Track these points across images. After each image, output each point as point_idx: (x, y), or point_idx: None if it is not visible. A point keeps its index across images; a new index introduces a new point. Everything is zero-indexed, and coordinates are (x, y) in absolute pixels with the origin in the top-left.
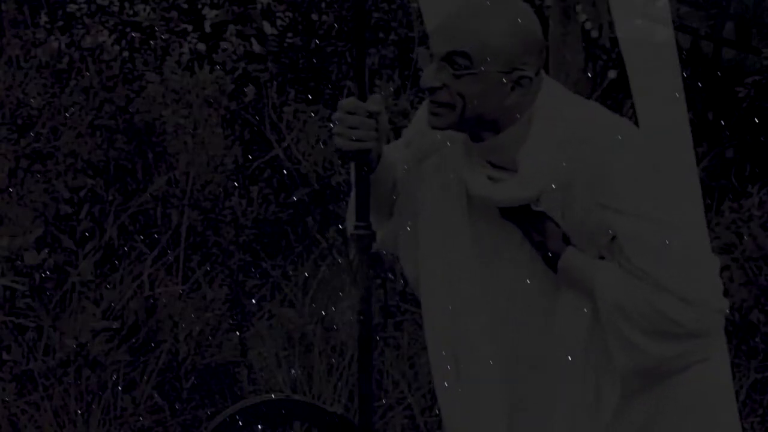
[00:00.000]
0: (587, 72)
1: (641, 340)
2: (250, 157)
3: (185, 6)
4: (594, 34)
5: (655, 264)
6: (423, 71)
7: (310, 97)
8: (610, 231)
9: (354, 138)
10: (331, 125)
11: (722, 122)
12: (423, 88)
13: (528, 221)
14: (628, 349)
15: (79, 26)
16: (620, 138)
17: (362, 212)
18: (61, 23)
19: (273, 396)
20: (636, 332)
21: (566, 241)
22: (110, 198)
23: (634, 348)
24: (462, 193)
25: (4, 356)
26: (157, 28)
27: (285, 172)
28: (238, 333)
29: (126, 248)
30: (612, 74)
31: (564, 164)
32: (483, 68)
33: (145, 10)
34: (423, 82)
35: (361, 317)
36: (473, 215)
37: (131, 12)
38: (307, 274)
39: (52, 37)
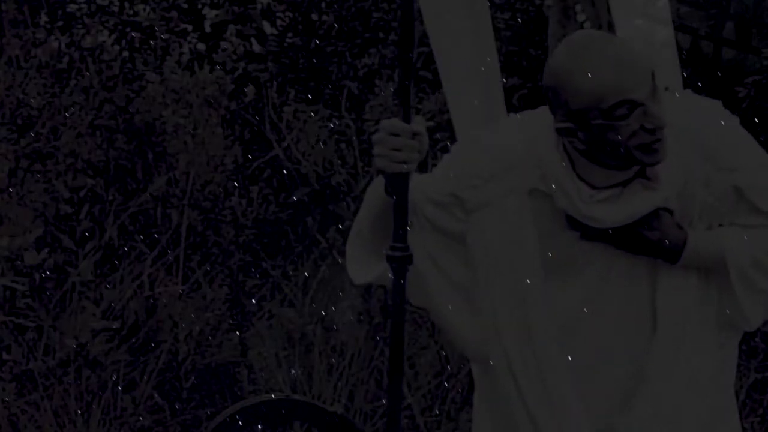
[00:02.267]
0: None
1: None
2: (250, 157)
3: (185, 6)
4: None
5: None
6: (652, 111)
7: (310, 97)
8: (735, 188)
9: (398, 160)
10: (374, 144)
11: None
12: (660, 126)
13: (641, 226)
14: (757, 297)
15: (79, 26)
16: (708, 109)
17: (401, 234)
18: (61, 23)
19: (273, 396)
20: (764, 277)
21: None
22: (110, 198)
23: (765, 293)
24: (532, 232)
25: (4, 356)
26: (157, 28)
27: (285, 172)
28: (238, 333)
29: (126, 248)
30: None
31: (678, 155)
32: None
33: (145, 10)
34: (660, 122)
35: (394, 345)
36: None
37: (131, 12)
38: (307, 274)
39: (52, 37)
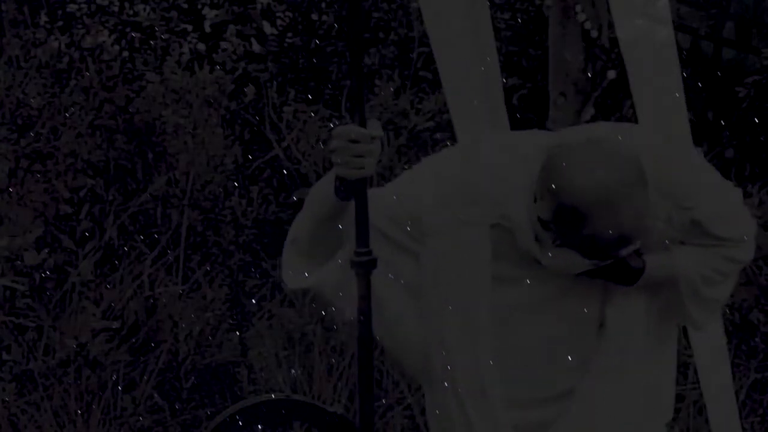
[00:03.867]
0: (587, 72)
1: (714, 292)
2: (250, 157)
3: (185, 6)
4: (594, 34)
5: (727, 226)
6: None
7: (310, 97)
8: (694, 221)
9: (359, 166)
10: (332, 155)
11: (722, 122)
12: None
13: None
14: (704, 305)
15: (79, 26)
16: (660, 147)
17: (363, 238)
18: (61, 23)
19: (273, 396)
20: (710, 289)
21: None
22: (110, 198)
23: (710, 301)
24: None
25: (4, 356)
26: (157, 28)
27: (285, 172)
28: (238, 333)
29: (126, 248)
30: (612, 74)
31: None
32: None
33: (145, 10)
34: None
35: (362, 339)
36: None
37: (131, 12)
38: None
39: (52, 37)
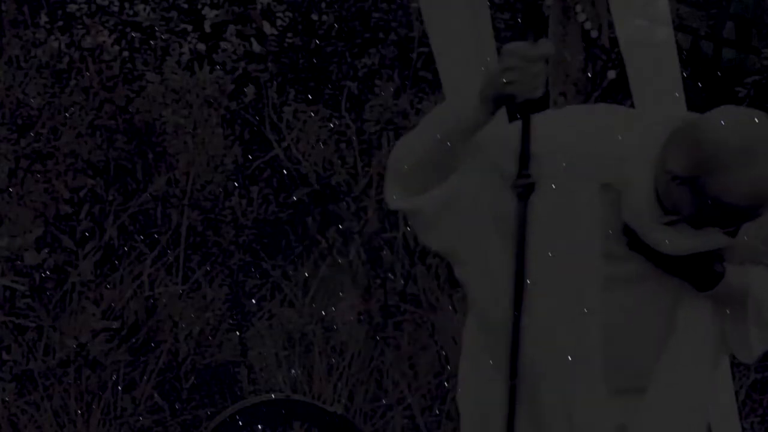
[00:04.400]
0: (587, 72)
1: None
2: (250, 157)
3: (185, 6)
4: (594, 34)
5: None
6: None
7: (310, 97)
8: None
9: (533, 86)
10: (503, 72)
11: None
12: None
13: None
14: (764, 332)
15: (79, 26)
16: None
17: (526, 161)
18: (61, 23)
19: (273, 396)
20: None
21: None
22: (110, 198)
23: None
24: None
25: (4, 356)
26: (157, 28)
27: (285, 172)
28: (238, 333)
29: (126, 248)
30: (612, 74)
31: None
32: None
33: (145, 10)
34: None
35: (517, 265)
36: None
37: (131, 12)
38: (307, 274)
39: (52, 37)
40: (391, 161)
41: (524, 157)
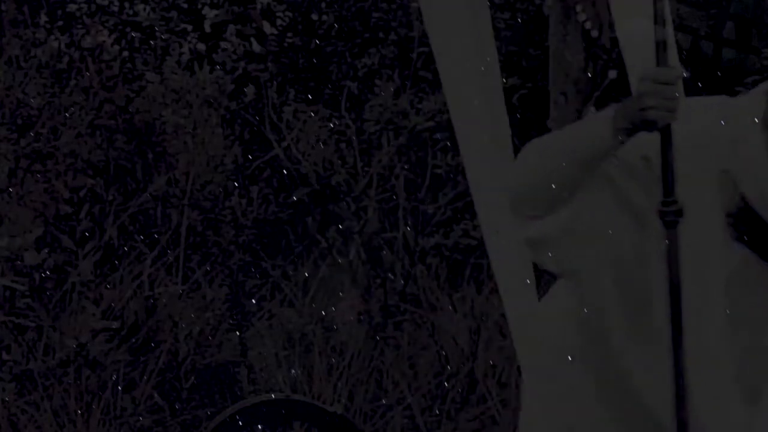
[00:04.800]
0: (587, 72)
1: None
2: (250, 157)
3: (185, 6)
4: (594, 34)
5: None
6: None
7: (310, 97)
8: None
9: (671, 109)
10: (640, 98)
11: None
12: None
13: None
14: None
15: (79, 26)
16: None
17: (670, 186)
18: (61, 23)
19: (273, 396)
20: None
21: None
22: (110, 198)
23: None
24: None
25: (4, 356)
26: (157, 28)
27: (285, 172)
28: (238, 333)
29: (126, 248)
30: (612, 74)
31: None
32: None
33: (145, 10)
34: None
35: (672, 291)
36: None
37: (131, 12)
38: (307, 274)
39: (52, 37)
40: (513, 194)
41: (668, 182)
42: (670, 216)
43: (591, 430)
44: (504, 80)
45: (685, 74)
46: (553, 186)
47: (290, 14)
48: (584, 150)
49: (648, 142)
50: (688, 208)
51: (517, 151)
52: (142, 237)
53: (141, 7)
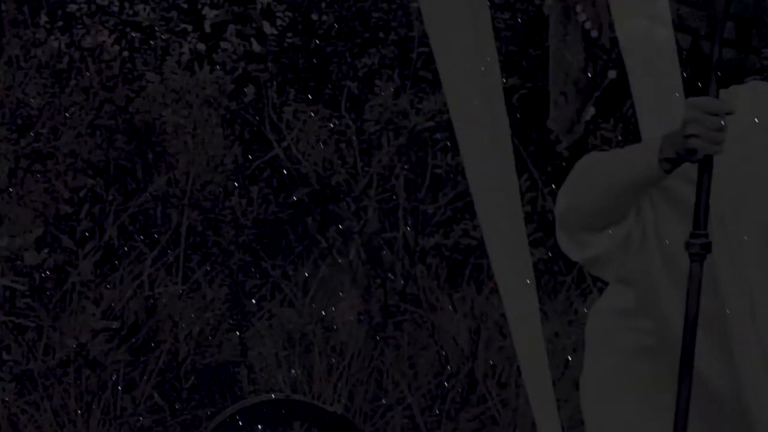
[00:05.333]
0: (587, 72)
1: None
2: (250, 157)
3: (185, 6)
4: (594, 34)
5: None
6: None
7: (310, 97)
8: None
9: (716, 141)
10: (685, 126)
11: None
12: None
13: None
14: None
15: (79, 26)
16: None
17: (703, 219)
18: (61, 23)
19: (273, 396)
20: None
21: None
22: (110, 198)
23: None
24: None
25: (4, 356)
26: (157, 28)
27: (285, 172)
28: (238, 333)
29: (126, 248)
30: (612, 74)
31: None
32: None
33: (145, 10)
34: None
35: (688, 324)
36: None
37: (131, 12)
38: (307, 274)
39: (52, 37)
40: (561, 211)
41: (699, 215)
42: (697, 248)
43: (654, 416)
44: (504, 80)
45: (734, 109)
46: (601, 208)
47: (290, 14)
48: (630, 177)
49: None
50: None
51: (517, 151)
52: (142, 237)
53: (141, 7)
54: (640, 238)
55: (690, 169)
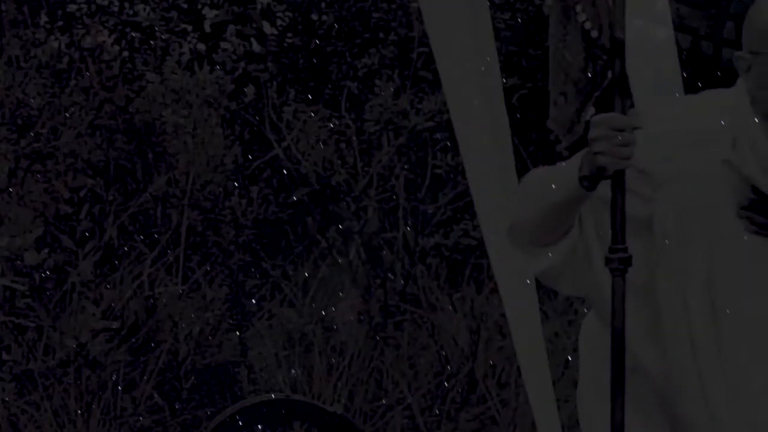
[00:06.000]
0: (587, 72)
1: None
2: (250, 157)
3: (185, 6)
4: (594, 34)
5: None
6: None
7: (310, 97)
8: None
9: (623, 156)
10: (592, 143)
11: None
12: None
13: None
14: None
15: (79, 26)
16: None
17: (620, 234)
18: (61, 23)
19: (273, 396)
20: None
21: None
22: (110, 198)
23: None
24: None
25: (4, 356)
26: (157, 28)
27: (285, 172)
28: (238, 333)
29: (126, 248)
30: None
31: None
32: None
33: (145, 10)
34: None
35: (615, 339)
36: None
37: (131, 12)
38: (307, 274)
39: (52, 37)
40: (508, 226)
41: (617, 229)
42: (615, 263)
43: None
44: (504, 80)
45: (640, 123)
46: (541, 223)
47: (290, 14)
48: (559, 195)
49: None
50: (695, 203)
51: (517, 151)
52: (142, 237)
53: (141, 7)
54: (585, 251)
55: (630, 181)
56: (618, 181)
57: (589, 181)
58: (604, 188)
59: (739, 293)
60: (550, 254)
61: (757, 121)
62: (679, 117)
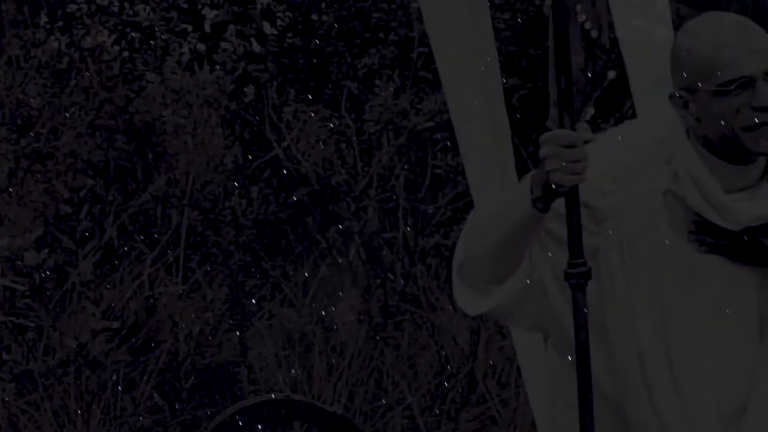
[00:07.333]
0: (587, 72)
1: None
2: (250, 157)
3: (185, 6)
4: (594, 34)
5: None
6: (763, 90)
7: (310, 97)
8: None
9: (576, 172)
10: (544, 162)
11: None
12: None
13: (760, 233)
14: None
15: (79, 26)
16: None
17: (578, 248)
18: (61, 23)
19: (273, 396)
20: None
21: None
22: (110, 198)
23: None
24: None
25: (4, 356)
26: (157, 28)
27: (285, 172)
28: (238, 333)
29: (126, 248)
30: (612, 74)
31: None
32: None
33: (145, 10)
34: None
35: (580, 354)
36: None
37: (131, 12)
38: (307, 274)
39: (52, 37)
40: (456, 267)
41: (574, 244)
42: (575, 278)
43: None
44: (504, 80)
45: (591, 136)
46: (495, 257)
47: (290, 14)
48: (511, 222)
49: None
50: (639, 233)
51: (517, 151)
52: (142, 237)
53: (141, 7)
54: (538, 282)
55: (563, 207)
56: (572, 197)
57: (543, 202)
58: (549, 220)
59: (687, 313)
60: (505, 288)
61: (696, 152)
62: (615, 150)
